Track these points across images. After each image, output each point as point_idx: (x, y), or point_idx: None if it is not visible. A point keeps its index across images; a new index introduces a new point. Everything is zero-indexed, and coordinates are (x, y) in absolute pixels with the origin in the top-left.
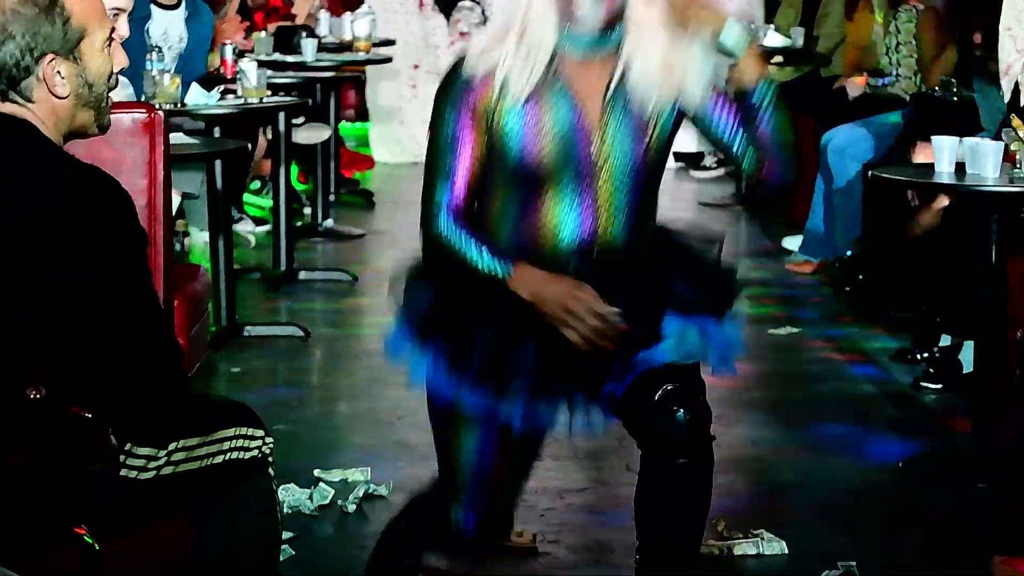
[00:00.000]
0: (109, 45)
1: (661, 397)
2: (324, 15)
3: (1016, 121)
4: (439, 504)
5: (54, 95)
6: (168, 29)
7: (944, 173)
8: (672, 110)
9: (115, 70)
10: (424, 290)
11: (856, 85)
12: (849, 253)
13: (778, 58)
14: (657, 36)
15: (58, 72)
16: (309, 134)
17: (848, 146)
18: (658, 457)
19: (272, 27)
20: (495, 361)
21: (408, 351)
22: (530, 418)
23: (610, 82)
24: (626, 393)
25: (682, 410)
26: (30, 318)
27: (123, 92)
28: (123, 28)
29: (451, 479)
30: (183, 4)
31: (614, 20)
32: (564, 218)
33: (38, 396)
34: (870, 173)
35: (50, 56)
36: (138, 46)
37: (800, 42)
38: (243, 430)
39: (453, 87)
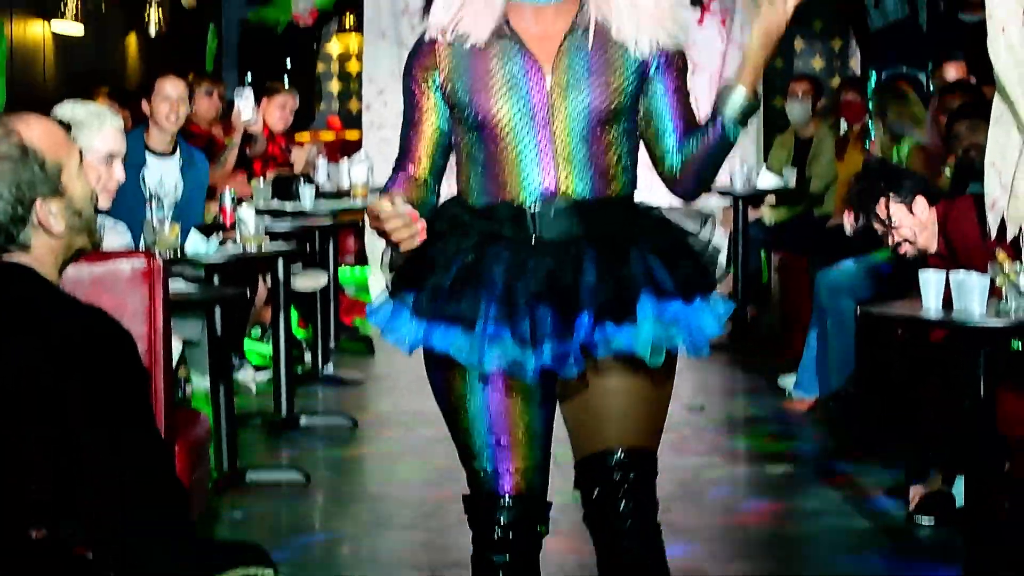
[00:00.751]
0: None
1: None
2: (322, 162)
3: (1001, 255)
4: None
5: (51, 234)
6: (163, 177)
7: (931, 308)
8: (637, 61)
9: (93, 185)
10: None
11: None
12: (844, 389)
13: (771, 198)
14: None
15: (50, 211)
16: (308, 281)
17: (842, 284)
18: (608, 554)
19: (270, 175)
20: (463, 292)
21: (388, 313)
22: (505, 351)
23: (568, 28)
24: (580, 472)
25: (629, 520)
26: (31, 462)
27: (121, 240)
28: (119, 172)
29: (468, 446)
30: (178, 152)
31: None
32: (524, 166)
33: (40, 536)
34: (858, 310)
35: (39, 200)
36: (134, 193)
37: (792, 182)
38: (251, 570)
39: (409, 57)
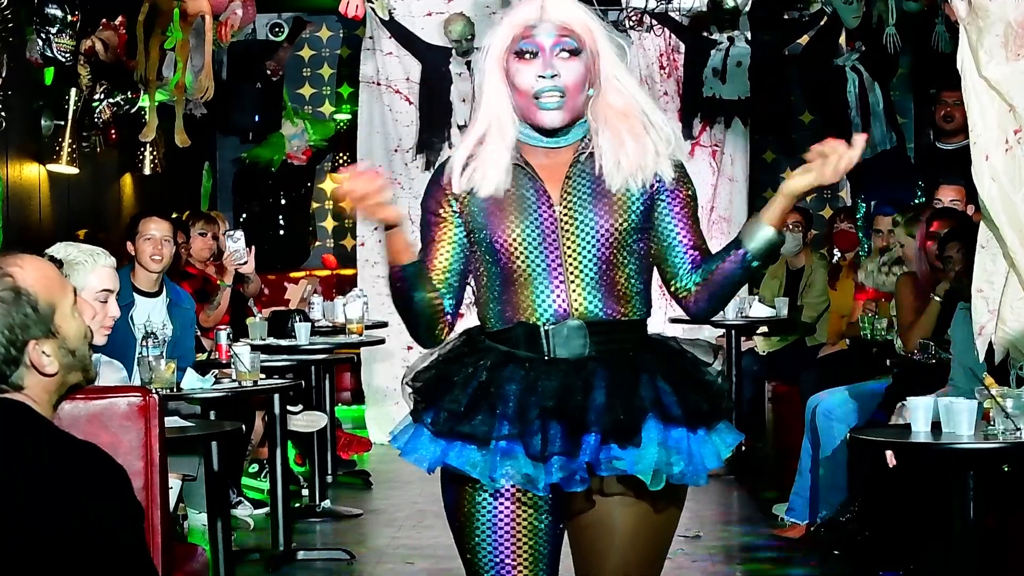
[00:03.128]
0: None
1: None
2: (317, 299)
3: (988, 380)
4: None
5: (44, 375)
6: (151, 315)
7: (920, 432)
8: (643, 189)
9: (87, 322)
10: (424, 376)
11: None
12: (836, 515)
13: (763, 328)
14: (618, 129)
15: (43, 353)
16: (306, 422)
17: (834, 409)
18: None
19: (266, 312)
20: (477, 411)
21: (408, 435)
22: (517, 467)
23: (573, 159)
24: None
25: None
26: None
27: (118, 376)
28: (113, 308)
29: (475, 563)
30: (164, 292)
31: (575, 119)
32: (537, 287)
33: None
34: (849, 435)
35: (32, 342)
36: (123, 332)
37: (784, 312)
38: None
39: (429, 184)
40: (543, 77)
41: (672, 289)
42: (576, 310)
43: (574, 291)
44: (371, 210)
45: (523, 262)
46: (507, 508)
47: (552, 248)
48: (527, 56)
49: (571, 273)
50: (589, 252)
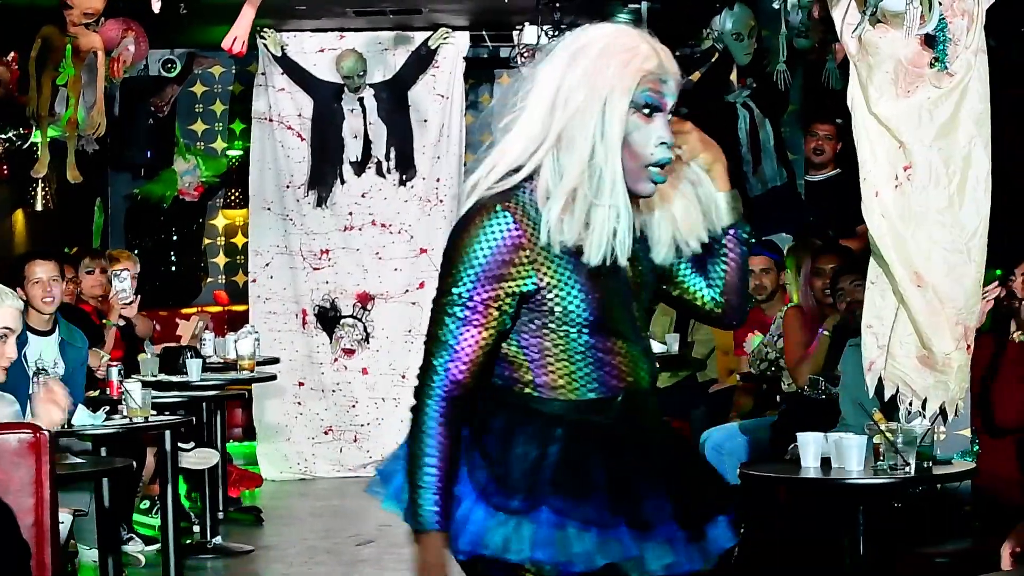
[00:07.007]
0: None
1: None
2: (208, 335)
3: (878, 415)
4: None
5: None
6: (43, 353)
7: (810, 468)
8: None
9: None
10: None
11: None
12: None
13: None
14: (665, 192)
15: None
16: (198, 459)
17: (725, 443)
18: None
19: (158, 348)
20: (625, 494)
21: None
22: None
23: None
24: None
25: None
26: None
27: (10, 408)
28: (11, 348)
29: None
30: (57, 330)
31: None
32: (635, 355)
33: None
34: (739, 471)
35: None
36: (16, 367)
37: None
38: None
39: (485, 244)
40: (665, 144)
41: (704, 311)
42: (656, 374)
43: (652, 355)
44: None
45: (620, 326)
46: None
47: (633, 311)
48: (645, 113)
49: (646, 338)
50: (647, 315)
